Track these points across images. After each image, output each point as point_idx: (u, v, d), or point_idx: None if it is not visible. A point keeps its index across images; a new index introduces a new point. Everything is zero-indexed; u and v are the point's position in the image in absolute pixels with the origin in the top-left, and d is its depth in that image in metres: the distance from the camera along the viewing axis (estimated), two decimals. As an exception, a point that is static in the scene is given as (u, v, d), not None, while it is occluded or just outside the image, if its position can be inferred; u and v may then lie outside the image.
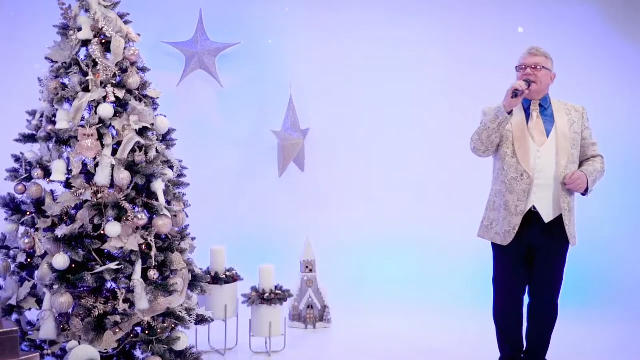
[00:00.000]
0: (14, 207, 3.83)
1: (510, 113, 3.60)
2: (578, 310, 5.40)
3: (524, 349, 3.94)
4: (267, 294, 4.42)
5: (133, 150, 3.67)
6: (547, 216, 3.64)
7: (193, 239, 4.05)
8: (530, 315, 3.85)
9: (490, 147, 3.72)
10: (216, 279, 4.45)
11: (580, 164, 3.76)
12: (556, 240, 3.67)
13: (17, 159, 3.86)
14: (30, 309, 3.71)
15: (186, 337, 3.69)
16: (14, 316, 3.71)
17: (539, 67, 3.65)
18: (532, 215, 3.65)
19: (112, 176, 3.58)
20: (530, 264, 3.78)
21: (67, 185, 3.68)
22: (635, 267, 6.00)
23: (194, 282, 3.86)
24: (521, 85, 3.56)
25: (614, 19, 6.16)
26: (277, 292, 4.47)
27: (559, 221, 3.65)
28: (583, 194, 3.68)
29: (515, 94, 3.54)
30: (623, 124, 6.11)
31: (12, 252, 3.80)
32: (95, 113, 3.63)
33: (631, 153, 6.12)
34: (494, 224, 3.77)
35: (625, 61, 6.14)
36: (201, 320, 3.88)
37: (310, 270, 5.19)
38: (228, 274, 4.52)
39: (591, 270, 5.94)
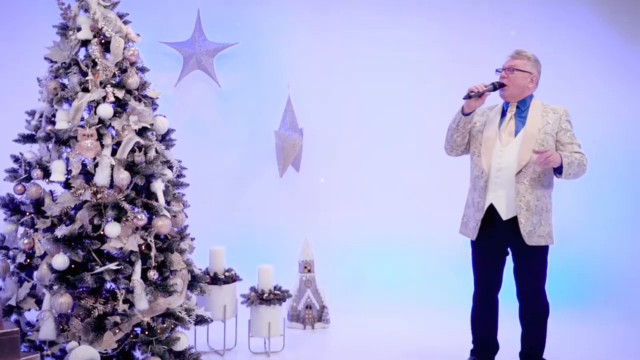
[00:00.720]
0: (13, 207, 3.82)
1: (468, 114, 3.73)
2: (575, 310, 5.44)
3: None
4: (266, 295, 4.42)
5: (132, 151, 3.67)
6: (505, 214, 3.72)
7: (192, 239, 4.05)
8: (520, 316, 3.90)
9: (455, 146, 3.88)
10: (215, 280, 4.44)
11: None
12: (523, 239, 3.70)
13: (16, 159, 3.85)
14: (29, 310, 3.70)
15: (186, 338, 3.69)
16: (13, 317, 3.70)
17: (511, 70, 3.72)
18: (496, 212, 3.75)
19: (112, 176, 3.58)
20: (505, 263, 3.91)
21: (67, 185, 3.68)
22: (631, 267, 6.01)
23: (194, 282, 3.86)
24: (477, 88, 3.66)
25: (612, 20, 6.17)
26: (276, 292, 4.47)
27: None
28: (558, 175, 3.65)
29: (469, 95, 3.66)
30: (622, 125, 6.13)
31: (11, 253, 3.79)
32: (95, 113, 3.62)
33: (630, 155, 6.14)
34: (469, 221, 3.90)
35: (624, 62, 6.16)
36: (200, 320, 3.88)
37: (309, 271, 5.19)
38: (227, 274, 4.52)
39: (588, 270, 5.97)
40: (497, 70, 3.81)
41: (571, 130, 3.75)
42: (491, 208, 3.75)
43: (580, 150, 3.72)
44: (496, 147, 3.74)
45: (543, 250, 3.76)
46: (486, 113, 3.89)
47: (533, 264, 3.76)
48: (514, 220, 3.70)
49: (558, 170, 3.61)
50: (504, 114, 3.81)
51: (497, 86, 3.73)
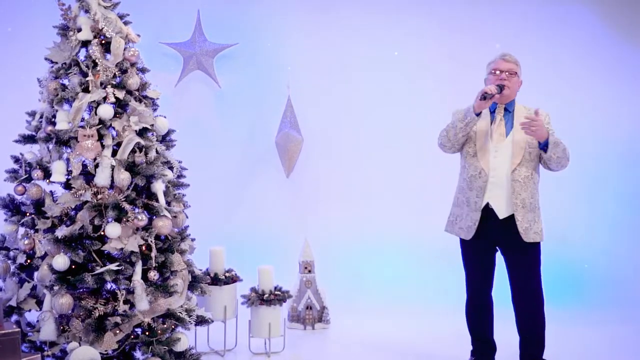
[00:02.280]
0: (13, 208, 3.82)
1: (478, 115, 3.77)
2: (575, 310, 5.43)
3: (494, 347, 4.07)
4: (266, 295, 4.42)
5: (133, 151, 3.67)
6: (501, 212, 3.79)
7: (193, 239, 4.05)
8: (516, 316, 3.91)
9: (456, 144, 3.93)
10: (215, 280, 4.44)
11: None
12: (519, 237, 3.76)
13: (16, 160, 3.86)
14: (30, 310, 3.70)
15: (186, 338, 3.69)
16: (14, 317, 3.70)
17: (511, 74, 3.83)
18: (491, 212, 3.81)
19: (112, 177, 3.58)
20: (496, 262, 3.95)
21: (67, 186, 3.67)
22: (631, 267, 6.01)
23: (194, 283, 3.86)
24: (491, 89, 3.72)
25: (613, 20, 6.17)
26: (276, 293, 4.47)
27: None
28: (543, 152, 3.74)
29: (484, 96, 3.71)
30: (622, 125, 6.14)
31: (11, 253, 3.79)
32: (95, 114, 3.62)
33: (630, 155, 6.14)
34: (458, 219, 3.94)
35: (624, 62, 6.16)
36: (201, 321, 3.88)
37: (309, 271, 5.19)
38: (227, 274, 4.51)
39: (588, 270, 5.97)
40: (493, 72, 3.86)
41: (555, 132, 3.83)
42: (486, 207, 3.82)
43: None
44: (490, 148, 3.83)
45: (537, 248, 3.83)
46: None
47: (530, 262, 3.82)
48: (509, 219, 3.77)
49: (542, 147, 3.71)
50: (491, 115, 3.90)
51: (501, 89, 3.80)
